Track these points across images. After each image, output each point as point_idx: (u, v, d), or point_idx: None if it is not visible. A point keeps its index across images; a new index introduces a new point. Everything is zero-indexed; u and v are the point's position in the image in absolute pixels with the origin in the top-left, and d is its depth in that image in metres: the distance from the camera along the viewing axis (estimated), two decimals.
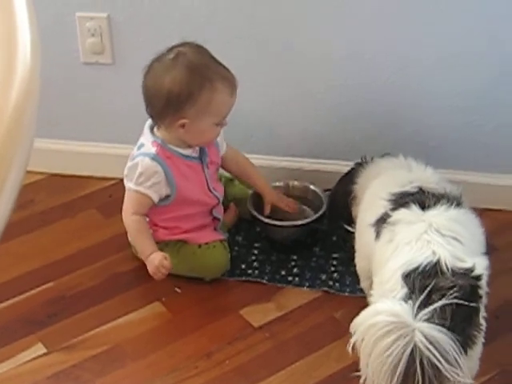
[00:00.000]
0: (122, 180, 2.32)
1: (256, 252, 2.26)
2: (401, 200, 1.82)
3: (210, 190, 2.16)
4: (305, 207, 2.34)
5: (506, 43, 2.17)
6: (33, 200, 2.46)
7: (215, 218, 2.21)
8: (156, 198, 2.09)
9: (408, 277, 1.62)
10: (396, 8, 2.18)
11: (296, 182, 2.37)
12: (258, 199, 2.28)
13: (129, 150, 2.30)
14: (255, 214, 2.24)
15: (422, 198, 1.81)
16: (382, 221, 1.81)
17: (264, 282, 2.17)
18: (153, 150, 2.07)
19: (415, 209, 1.78)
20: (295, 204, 2.31)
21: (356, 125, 2.35)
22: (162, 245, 2.13)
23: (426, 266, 1.64)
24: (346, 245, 2.24)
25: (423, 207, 1.78)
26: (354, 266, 2.02)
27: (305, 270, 2.19)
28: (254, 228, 2.32)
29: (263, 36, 2.28)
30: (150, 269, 2.08)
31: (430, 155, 2.36)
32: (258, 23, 2.26)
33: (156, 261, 2.06)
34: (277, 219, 2.25)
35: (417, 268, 1.63)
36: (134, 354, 1.99)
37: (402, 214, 1.78)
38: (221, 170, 2.26)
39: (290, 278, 2.17)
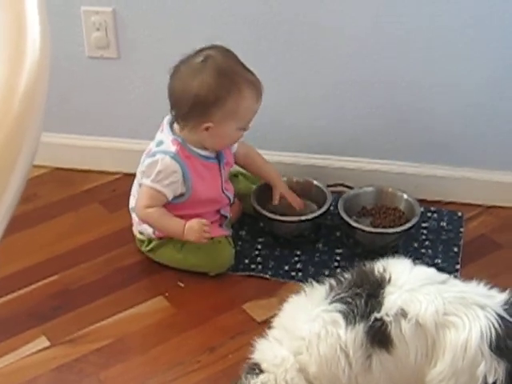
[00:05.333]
0: (125, 174, 2.32)
1: (259, 247, 2.26)
2: None
3: (223, 191, 2.16)
4: (308, 202, 2.34)
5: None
6: (36, 194, 2.46)
7: (222, 216, 2.21)
8: (171, 197, 2.08)
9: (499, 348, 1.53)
10: (404, 8, 2.18)
11: (299, 178, 2.37)
12: (261, 194, 2.28)
13: (133, 145, 2.30)
14: (259, 209, 2.24)
15: None
16: None
17: (267, 277, 2.17)
18: (173, 148, 2.06)
19: None
20: (302, 202, 2.30)
21: (364, 122, 2.35)
22: (166, 239, 2.13)
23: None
24: (349, 241, 2.24)
25: None
26: (358, 261, 2.00)
27: (308, 265, 2.19)
28: (258, 223, 2.32)
29: (274, 34, 2.27)
30: (194, 237, 2.07)
31: (434, 151, 2.36)
32: (269, 20, 2.26)
33: (195, 227, 2.05)
34: (280, 214, 2.25)
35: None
36: (137, 347, 1.99)
37: None
38: None
39: (293, 274, 2.17)
